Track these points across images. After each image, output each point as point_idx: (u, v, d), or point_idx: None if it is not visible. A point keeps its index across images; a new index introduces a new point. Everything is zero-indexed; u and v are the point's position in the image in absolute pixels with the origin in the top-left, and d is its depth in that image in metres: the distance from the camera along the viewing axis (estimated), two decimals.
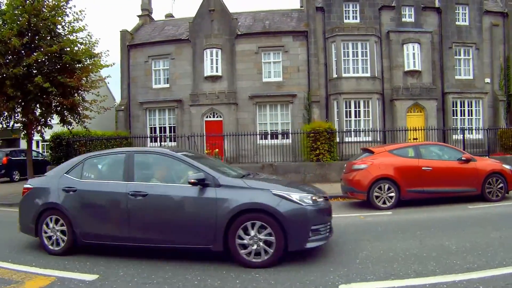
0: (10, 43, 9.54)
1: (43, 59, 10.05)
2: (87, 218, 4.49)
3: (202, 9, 18.62)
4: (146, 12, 21.64)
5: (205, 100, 18.11)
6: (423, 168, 7.92)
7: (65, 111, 11.15)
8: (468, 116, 18.25)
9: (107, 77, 11.99)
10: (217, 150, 14.71)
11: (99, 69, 11.26)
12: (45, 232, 4.67)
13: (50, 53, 10.07)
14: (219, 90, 18.08)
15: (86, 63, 11.26)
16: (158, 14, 34.11)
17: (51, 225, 4.64)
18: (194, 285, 3.58)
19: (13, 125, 11.66)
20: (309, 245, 3.92)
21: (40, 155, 18.67)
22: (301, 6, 21.81)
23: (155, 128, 19.37)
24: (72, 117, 11.31)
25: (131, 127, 19.35)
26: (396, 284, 3.39)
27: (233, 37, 18.33)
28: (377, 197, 7.79)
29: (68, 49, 10.60)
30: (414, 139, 15.06)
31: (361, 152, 9.36)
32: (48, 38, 10.48)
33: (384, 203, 7.75)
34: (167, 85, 19.14)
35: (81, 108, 11.29)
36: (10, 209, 9.29)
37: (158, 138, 18.46)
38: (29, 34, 10.15)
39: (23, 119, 10.95)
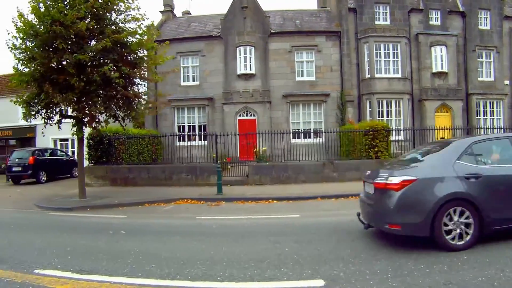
0: (73, 26, 8.82)
1: (109, 47, 9.25)
2: (498, 204, 4.38)
3: (234, 6, 18.38)
4: (169, 8, 21.08)
5: (239, 98, 17.86)
6: None
7: (125, 106, 10.41)
8: (490, 116, 19.13)
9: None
10: (264, 148, 14.50)
11: (161, 62, 10.68)
12: (446, 227, 4.30)
13: (116, 40, 9.37)
14: (253, 88, 17.89)
15: (143, 54, 10.65)
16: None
17: (454, 218, 4.31)
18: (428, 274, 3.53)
19: (59, 121, 10.53)
20: None
21: (65, 154, 17.62)
22: (322, 6, 22.03)
23: (183, 126, 18.87)
24: (132, 112, 10.58)
25: (158, 126, 18.73)
26: None
27: (266, 35, 18.21)
28: None
29: (131, 38, 9.96)
30: (441, 138, 15.62)
31: None
32: (110, 25, 9.80)
33: None
34: (197, 83, 18.70)
35: (144, 102, 10.67)
36: (80, 214, 8.54)
37: (187, 137, 18.00)
38: (93, 19, 9.43)
39: (80, 112, 9.93)
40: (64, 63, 9.34)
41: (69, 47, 9.22)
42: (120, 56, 9.76)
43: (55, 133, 19.44)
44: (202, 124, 18.69)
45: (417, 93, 18.63)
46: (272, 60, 18.20)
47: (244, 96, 17.82)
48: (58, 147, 19.29)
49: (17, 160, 15.28)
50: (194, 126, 18.80)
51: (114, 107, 10.40)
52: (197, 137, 18.03)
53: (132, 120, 10.95)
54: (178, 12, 25.89)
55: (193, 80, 18.80)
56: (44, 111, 10.09)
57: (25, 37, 9.19)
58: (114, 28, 9.68)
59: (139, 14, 9.95)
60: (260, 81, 18.06)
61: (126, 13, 10.22)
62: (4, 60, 53.35)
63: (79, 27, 8.74)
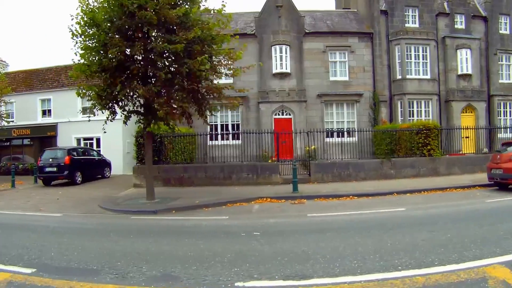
0: (160, 13, 8.40)
1: (196, 37, 8.76)
2: None
3: (269, 5, 18.31)
4: None
5: (275, 97, 17.79)
6: None
7: (203, 100, 9.99)
8: (510, 116, 20.09)
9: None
10: (313, 146, 14.49)
11: (240, 57, 10.35)
12: None
13: (203, 31, 8.94)
14: (289, 87, 17.88)
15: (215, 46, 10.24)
16: None
17: None
18: None
19: (128, 116, 9.56)
20: None
21: (97, 153, 16.80)
22: (344, 7, 22.37)
23: (215, 125, 18.53)
24: (212, 108, 10.19)
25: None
26: None
27: (301, 35, 18.26)
28: None
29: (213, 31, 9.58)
30: (466, 137, 16.29)
31: (506, 145, 10.40)
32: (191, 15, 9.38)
33: None
34: (230, 81, 18.37)
35: (221, 97, 10.31)
36: (171, 217, 7.82)
37: (220, 136, 17.71)
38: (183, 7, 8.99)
39: (166, 106, 8.86)
40: (138, 52, 8.83)
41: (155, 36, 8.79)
42: (201, 48, 9.39)
43: (78, 132, 18.71)
44: (235, 123, 18.45)
45: (443, 94, 19.27)
46: (307, 60, 18.26)
47: (281, 95, 17.76)
48: (82, 145, 18.32)
49: (50, 160, 14.34)
50: (227, 125, 18.52)
51: (193, 102, 9.87)
52: (230, 136, 17.76)
53: (203, 116, 10.49)
54: None
55: (227, 79, 18.42)
56: (110, 104, 9.50)
57: (97, 22, 8.62)
58: (194, 18, 9.32)
59: (223, 5, 9.60)
60: (295, 80, 18.08)
61: (199, 4, 9.94)
62: (13, 57, 50.38)
63: (172, 13, 8.31)
